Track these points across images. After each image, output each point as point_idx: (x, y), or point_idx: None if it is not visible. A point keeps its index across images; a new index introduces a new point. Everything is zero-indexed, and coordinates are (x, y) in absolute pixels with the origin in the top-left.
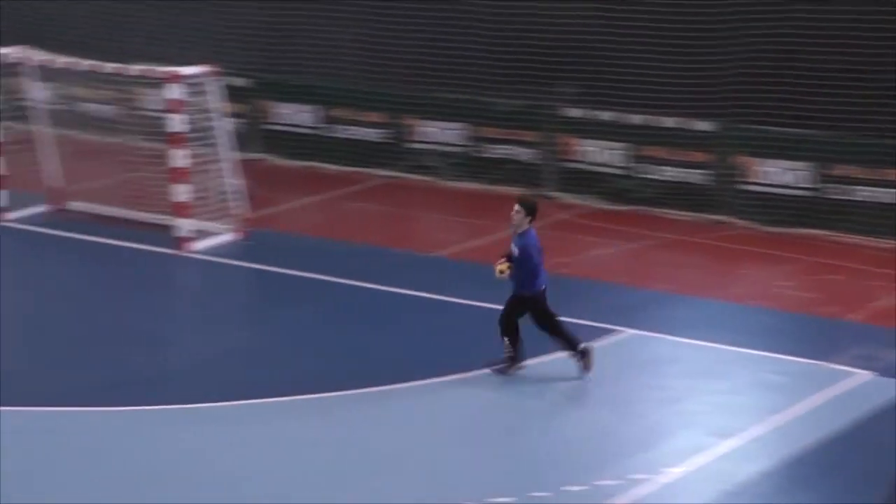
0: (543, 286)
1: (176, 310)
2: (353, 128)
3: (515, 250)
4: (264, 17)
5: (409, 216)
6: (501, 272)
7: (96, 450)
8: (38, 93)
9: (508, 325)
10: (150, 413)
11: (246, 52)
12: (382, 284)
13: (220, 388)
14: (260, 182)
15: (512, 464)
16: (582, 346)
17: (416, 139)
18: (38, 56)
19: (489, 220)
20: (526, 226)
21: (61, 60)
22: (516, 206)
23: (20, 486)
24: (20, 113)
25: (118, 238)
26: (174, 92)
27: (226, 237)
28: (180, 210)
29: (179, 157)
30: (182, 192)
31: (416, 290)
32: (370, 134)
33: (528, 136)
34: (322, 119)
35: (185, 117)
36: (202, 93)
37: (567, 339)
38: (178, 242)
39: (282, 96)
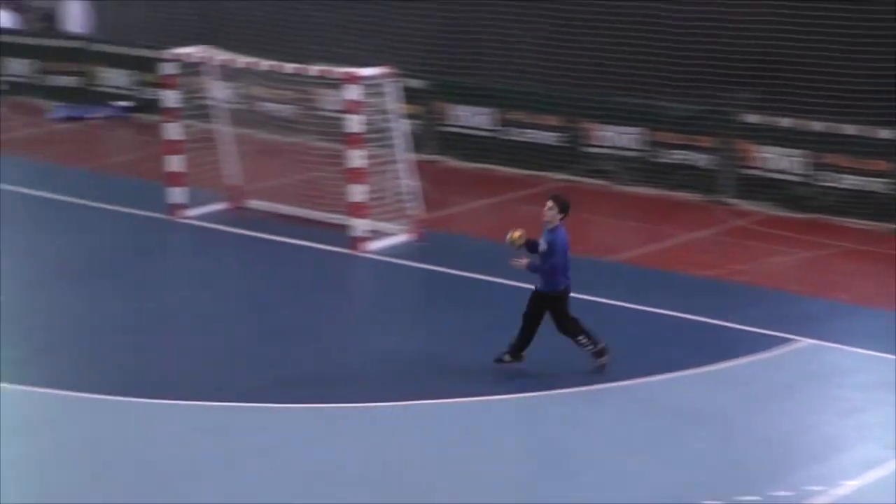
0: (563, 286)
1: (351, 309)
2: (529, 131)
3: (543, 244)
4: (442, 19)
5: (583, 220)
6: (513, 237)
7: (270, 447)
8: (218, 92)
9: (567, 327)
10: (324, 411)
11: (423, 54)
12: None
13: (393, 387)
14: (435, 184)
15: (684, 473)
16: (601, 345)
17: (593, 143)
18: (219, 56)
19: (665, 225)
20: (557, 222)
21: (242, 60)
22: (549, 203)
23: (194, 482)
24: (201, 112)
25: (295, 237)
26: (352, 93)
27: (400, 238)
28: (356, 210)
29: (356, 158)
30: (358, 193)
31: (588, 294)
32: (546, 137)
33: (706, 141)
34: (498, 122)
35: (362, 118)
36: (380, 94)
37: (586, 337)
38: (354, 242)
39: (458, 98)
